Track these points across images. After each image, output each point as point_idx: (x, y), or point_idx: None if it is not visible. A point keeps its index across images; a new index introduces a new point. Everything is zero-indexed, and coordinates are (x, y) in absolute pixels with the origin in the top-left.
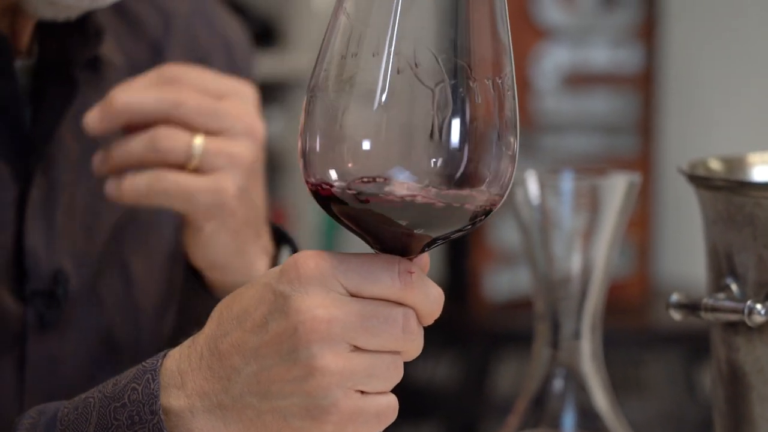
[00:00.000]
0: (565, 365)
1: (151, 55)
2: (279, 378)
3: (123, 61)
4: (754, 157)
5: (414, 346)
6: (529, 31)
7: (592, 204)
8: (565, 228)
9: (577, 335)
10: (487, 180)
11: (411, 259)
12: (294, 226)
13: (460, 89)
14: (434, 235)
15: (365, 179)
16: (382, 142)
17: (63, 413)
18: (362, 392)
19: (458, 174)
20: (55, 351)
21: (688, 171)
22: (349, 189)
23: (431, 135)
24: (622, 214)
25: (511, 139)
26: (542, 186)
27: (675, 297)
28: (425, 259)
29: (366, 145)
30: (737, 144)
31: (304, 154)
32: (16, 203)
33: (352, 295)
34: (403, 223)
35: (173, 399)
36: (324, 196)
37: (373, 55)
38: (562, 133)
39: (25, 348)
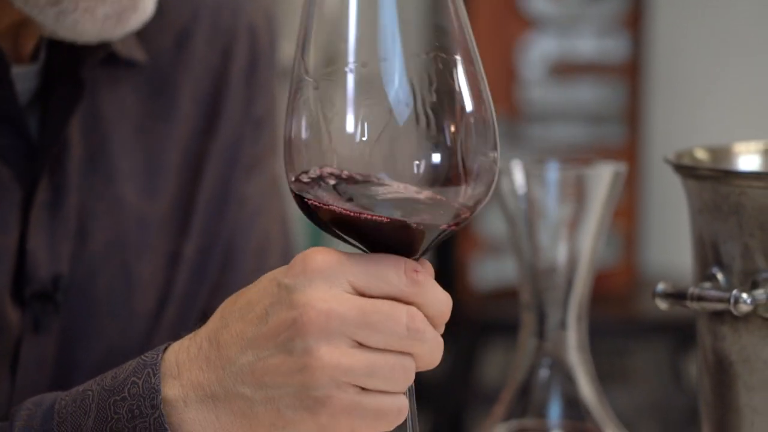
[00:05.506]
0: (551, 355)
1: (176, 43)
2: (274, 369)
3: (143, 56)
4: (740, 147)
5: (425, 349)
6: (516, 21)
7: (578, 194)
8: (551, 218)
9: (563, 325)
10: (475, 170)
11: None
12: None
13: (443, 78)
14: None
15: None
16: (368, 139)
17: (60, 405)
18: (362, 389)
19: (444, 161)
20: (47, 354)
21: (675, 161)
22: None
23: (417, 129)
24: (608, 204)
25: (492, 124)
26: (528, 176)
27: (661, 286)
28: (429, 266)
29: (352, 142)
30: (723, 133)
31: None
32: (21, 206)
33: (359, 294)
34: (389, 215)
35: (168, 388)
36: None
37: (353, 56)
38: (549, 122)
39: (18, 351)
